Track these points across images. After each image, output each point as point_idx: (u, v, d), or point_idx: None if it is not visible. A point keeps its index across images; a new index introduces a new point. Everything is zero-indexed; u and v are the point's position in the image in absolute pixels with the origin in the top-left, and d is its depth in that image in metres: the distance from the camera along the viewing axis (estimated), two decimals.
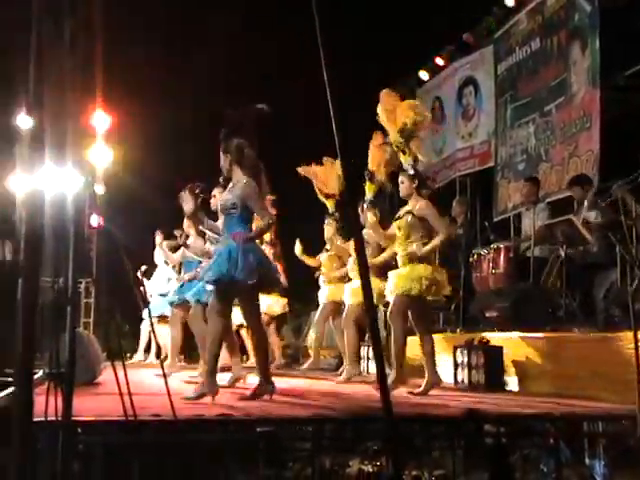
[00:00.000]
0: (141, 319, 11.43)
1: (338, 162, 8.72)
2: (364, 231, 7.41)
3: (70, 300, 2.91)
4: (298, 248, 9.50)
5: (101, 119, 11.76)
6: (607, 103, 9.22)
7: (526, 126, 11.25)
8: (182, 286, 8.31)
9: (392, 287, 6.48)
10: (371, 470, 4.55)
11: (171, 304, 8.65)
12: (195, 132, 12.88)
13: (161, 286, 11.00)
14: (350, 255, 8.69)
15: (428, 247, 6.44)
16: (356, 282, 8.05)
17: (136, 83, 12.16)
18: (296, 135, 12.75)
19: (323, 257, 9.43)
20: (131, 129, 11.53)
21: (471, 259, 9.44)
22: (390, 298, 6.56)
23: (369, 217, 7.28)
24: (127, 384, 3.23)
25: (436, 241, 6.45)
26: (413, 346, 9.27)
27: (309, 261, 9.51)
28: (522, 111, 11.40)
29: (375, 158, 7.78)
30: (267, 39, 13.30)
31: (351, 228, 3.25)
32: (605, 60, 9.17)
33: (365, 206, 7.92)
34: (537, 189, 9.28)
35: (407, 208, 6.56)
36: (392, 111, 6.72)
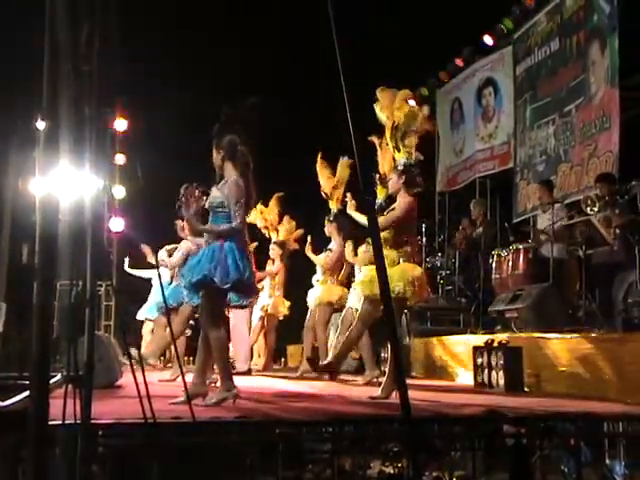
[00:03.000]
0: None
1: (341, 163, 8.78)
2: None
3: (88, 303, 2.93)
4: (308, 246, 9.52)
5: (119, 123, 11.89)
6: (626, 103, 9.18)
7: (545, 127, 11.21)
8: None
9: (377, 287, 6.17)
10: (392, 472, 4.55)
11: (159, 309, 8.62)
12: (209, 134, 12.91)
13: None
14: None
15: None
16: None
17: (153, 86, 12.21)
18: (304, 134, 12.76)
19: (321, 257, 9.41)
20: (148, 132, 11.60)
21: (491, 260, 9.44)
22: (368, 294, 6.23)
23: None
24: (146, 387, 3.24)
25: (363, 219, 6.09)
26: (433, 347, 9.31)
27: (314, 258, 9.49)
28: (541, 112, 11.37)
29: (386, 160, 7.73)
30: (283, 41, 13.33)
31: (370, 228, 3.25)
32: (624, 60, 9.13)
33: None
34: (550, 191, 9.24)
35: (393, 206, 6.41)
36: (388, 108, 6.59)
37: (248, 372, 9.56)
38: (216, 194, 5.50)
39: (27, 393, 2.21)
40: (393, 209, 6.27)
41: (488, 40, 12.82)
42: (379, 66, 12.67)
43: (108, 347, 6.57)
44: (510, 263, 8.83)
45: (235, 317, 9.60)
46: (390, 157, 7.50)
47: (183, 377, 4.29)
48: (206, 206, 5.62)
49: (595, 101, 9.84)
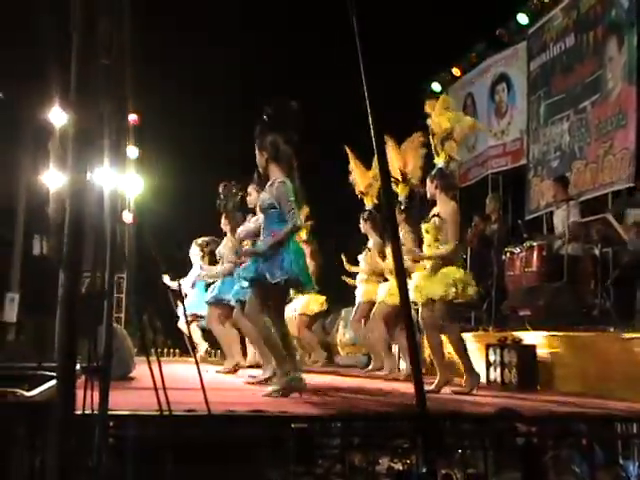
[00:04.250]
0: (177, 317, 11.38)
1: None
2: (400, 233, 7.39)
3: (106, 294, 2.92)
4: (345, 263, 9.53)
5: (132, 116, 11.87)
6: None
7: (560, 123, 11.15)
8: (220, 286, 8.41)
9: (426, 292, 6.38)
10: (401, 468, 4.53)
11: (208, 303, 8.72)
12: (226, 131, 12.93)
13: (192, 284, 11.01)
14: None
15: (430, 253, 6.41)
16: (393, 282, 8.05)
17: (166, 81, 12.23)
18: (331, 132, 12.73)
19: (361, 257, 9.41)
20: (161, 128, 11.62)
21: (504, 257, 9.39)
22: (419, 300, 6.47)
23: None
24: (162, 379, 3.24)
25: (441, 251, 6.33)
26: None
27: (357, 269, 9.48)
28: (556, 108, 11.30)
29: (410, 159, 7.76)
30: (297, 35, 13.32)
31: (388, 231, 3.25)
32: None
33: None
34: (565, 188, 9.16)
35: (435, 210, 6.51)
36: (433, 116, 6.75)
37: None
38: (265, 196, 5.56)
39: (51, 384, 2.20)
40: (436, 214, 6.34)
41: (502, 35, 12.76)
42: (392, 61, 12.66)
43: (122, 339, 6.57)
44: (523, 260, 8.78)
45: None
46: (416, 157, 7.58)
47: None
48: (256, 208, 5.71)
49: (611, 98, 9.78)
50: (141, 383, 5.57)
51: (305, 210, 10.51)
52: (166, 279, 10.12)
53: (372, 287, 9.05)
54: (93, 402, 2.79)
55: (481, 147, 13.54)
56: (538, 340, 7.12)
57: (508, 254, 9.25)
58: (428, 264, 6.48)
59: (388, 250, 8.52)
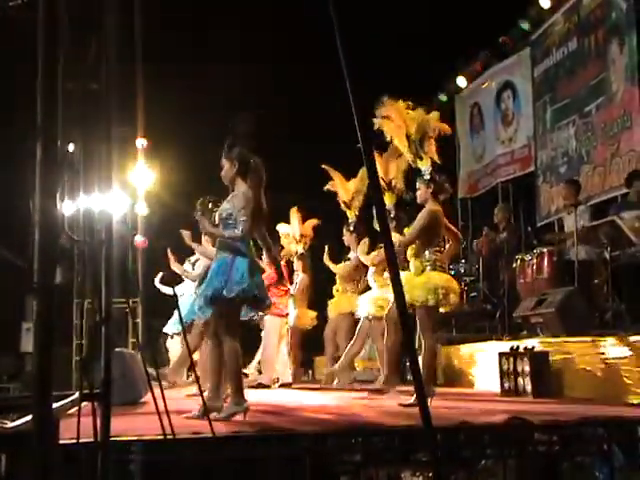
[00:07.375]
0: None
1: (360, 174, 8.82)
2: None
3: (104, 320, 2.91)
4: (326, 254, 9.53)
5: (139, 143, 11.95)
6: None
7: (566, 128, 11.12)
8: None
9: (408, 296, 6.22)
10: None
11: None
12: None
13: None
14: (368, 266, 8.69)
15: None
16: (374, 292, 8.37)
17: (171, 103, 12.28)
18: (315, 144, 12.76)
19: (340, 265, 9.43)
20: (169, 150, 11.65)
21: (515, 265, 9.34)
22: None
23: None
24: (164, 402, 3.23)
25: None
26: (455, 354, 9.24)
27: (333, 267, 9.50)
28: (562, 113, 11.29)
29: (393, 167, 7.72)
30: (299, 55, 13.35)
31: (382, 236, 3.21)
32: None
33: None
34: (576, 191, 9.07)
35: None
36: (398, 118, 6.68)
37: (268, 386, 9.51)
38: (225, 206, 5.47)
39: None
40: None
41: (505, 43, 12.76)
42: (396, 73, 12.67)
43: (132, 364, 6.52)
44: (534, 267, 8.73)
45: (269, 325, 9.67)
46: (396, 164, 7.55)
47: (201, 392, 4.30)
48: (216, 219, 5.59)
49: (616, 100, 9.76)
50: (151, 408, 5.53)
51: (312, 222, 10.52)
52: (157, 282, 10.02)
53: (347, 299, 9.09)
54: (96, 428, 2.78)
55: (489, 156, 13.53)
56: (551, 347, 7.06)
57: (519, 262, 9.21)
58: (412, 266, 6.41)
59: (374, 253, 8.55)
